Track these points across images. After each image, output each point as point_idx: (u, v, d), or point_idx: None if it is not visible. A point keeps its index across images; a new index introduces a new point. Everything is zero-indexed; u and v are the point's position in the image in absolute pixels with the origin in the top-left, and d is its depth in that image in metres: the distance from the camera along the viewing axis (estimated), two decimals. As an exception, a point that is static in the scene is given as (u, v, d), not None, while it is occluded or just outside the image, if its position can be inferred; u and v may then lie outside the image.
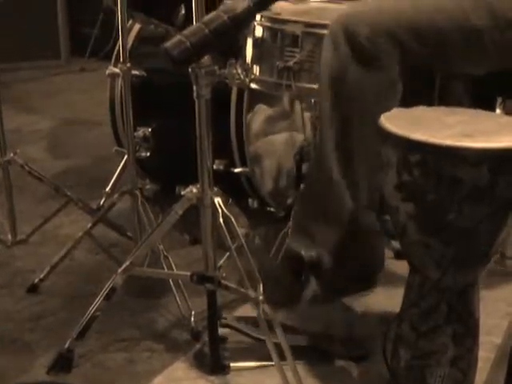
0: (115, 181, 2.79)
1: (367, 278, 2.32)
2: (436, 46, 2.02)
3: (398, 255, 2.34)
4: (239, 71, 2.21)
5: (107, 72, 2.56)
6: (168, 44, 0.84)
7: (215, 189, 1.93)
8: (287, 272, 2.22)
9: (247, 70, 2.29)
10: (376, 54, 1.97)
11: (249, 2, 0.87)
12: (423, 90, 2.23)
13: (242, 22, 0.86)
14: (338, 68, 1.99)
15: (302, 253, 2.19)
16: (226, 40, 0.89)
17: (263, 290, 1.84)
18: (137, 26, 2.91)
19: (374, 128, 1.71)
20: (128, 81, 2.42)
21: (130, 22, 2.79)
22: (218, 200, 1.91)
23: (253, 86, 2.34)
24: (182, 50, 0.84)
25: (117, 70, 2.46)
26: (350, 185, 2.05)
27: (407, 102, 1.96)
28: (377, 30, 1.96)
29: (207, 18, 0.88)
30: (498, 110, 2.27)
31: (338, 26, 1.99)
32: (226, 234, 1.90)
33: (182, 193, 1.95)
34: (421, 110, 1.83)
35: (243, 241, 1.91)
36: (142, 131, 2.85)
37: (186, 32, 0.85)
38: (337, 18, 2.02)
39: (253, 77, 2.32)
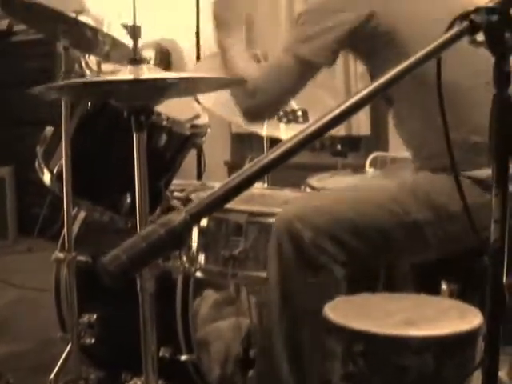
0: (59, 369, 2.73)
1: None
2: (379, 243, 2.05)
3: None
4: (184, 260, 2.23)
5: (53, 257, 2.56)
6: (105, 259, 0.85)
7: (160, 382, 1.90)
8: None
9: (192, 259, 2.30)
10: (321, 258, 1.99)
11: (186, 214, 0.89)
12: (368, 276, 2.26)
13: (178, 235, 0.88)
14: (283, 269, 2.00)
15: None
16: (164, 253, 0.90)
17: None
18: (83, 213, 2.94)
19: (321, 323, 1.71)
20: (73, 269, 2.42)
21: (75, 209, 2.80)
22: (162, 394, 1.88)
23: (198, 274, 2.35)
24: (118, 264, 0.85)
25: (62, 256, 2.47)
26: (297, 380, 2.01)
27: (352, 288, 1.98)
28: (320, 233, 1.99)
29: (145, 231, 0.89)
30: (443, 289, 2.29)
31: (282, 227, 2.02)
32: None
33: (126, 386, 1.92)
34: (364, 298, 1.85)
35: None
36: (87, 317, 2.80)
37: (123, 246, 0.86)
38: (281, 219, 2.04)
39: (198, 266, 2.33)
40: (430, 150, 2.10)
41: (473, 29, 1.21)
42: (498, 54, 1.25)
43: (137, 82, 1.71)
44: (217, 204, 0.93)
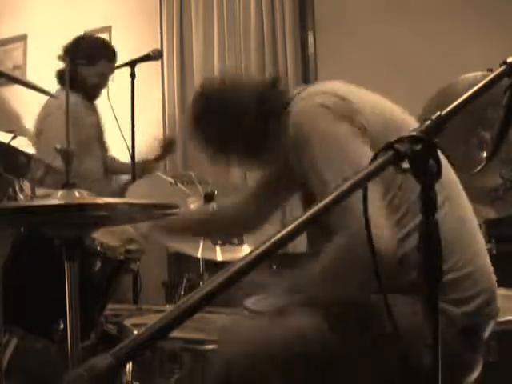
0: None
1: None
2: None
3: None
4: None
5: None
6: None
7: None
8: None
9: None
10: None
11: (111, 358, 0.87)
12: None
13: (104, 381, 0.85)
14: None
15: None
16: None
17: None
18: (15, 340, 2.85)
19: None
20: None
21: (7, 336, 2.71)
22: None
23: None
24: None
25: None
26: None
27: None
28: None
29: (71, 376, 0.86)
30: None
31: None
32: None
33: None
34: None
35: None
36: None
37: None
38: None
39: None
40: None
41: (398, 158, 1.24)
42: (423, 181, 1.27)
43: (68, 208, 1.69)
44: (143, 345, 0.90)
